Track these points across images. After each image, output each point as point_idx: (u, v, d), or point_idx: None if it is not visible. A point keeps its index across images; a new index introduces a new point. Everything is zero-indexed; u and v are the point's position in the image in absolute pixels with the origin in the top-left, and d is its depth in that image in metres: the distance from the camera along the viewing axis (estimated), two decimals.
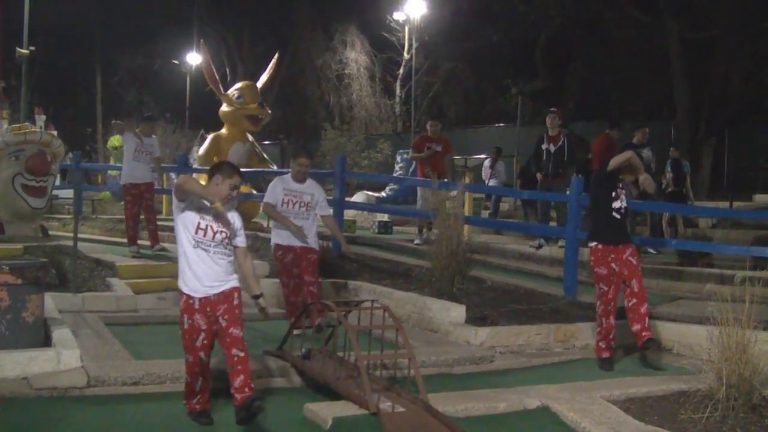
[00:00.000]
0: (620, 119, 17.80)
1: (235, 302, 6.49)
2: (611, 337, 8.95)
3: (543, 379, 8.16)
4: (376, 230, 19.38)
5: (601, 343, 9.00)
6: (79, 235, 11.78)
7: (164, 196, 18.77)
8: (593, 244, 8.98)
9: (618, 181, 8.98)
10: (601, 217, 9.02)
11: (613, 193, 8.92)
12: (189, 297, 6.48)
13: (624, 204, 8.98)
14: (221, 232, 6.49)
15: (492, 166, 21.10)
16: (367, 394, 6.41)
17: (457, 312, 9.79)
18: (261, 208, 9.80)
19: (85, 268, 11.88)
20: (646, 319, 8.89)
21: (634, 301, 8.84)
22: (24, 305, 7.48)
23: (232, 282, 6.56)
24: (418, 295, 10.57)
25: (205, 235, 6.45)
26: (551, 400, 7.17)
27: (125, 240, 15.32)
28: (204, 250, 6.45)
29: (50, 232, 14.70)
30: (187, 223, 6.47)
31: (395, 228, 19.93)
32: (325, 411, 6.56)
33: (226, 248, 6.54)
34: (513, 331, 9.61)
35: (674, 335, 9.88)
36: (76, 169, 18.37)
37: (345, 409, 6.61)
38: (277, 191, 9.64)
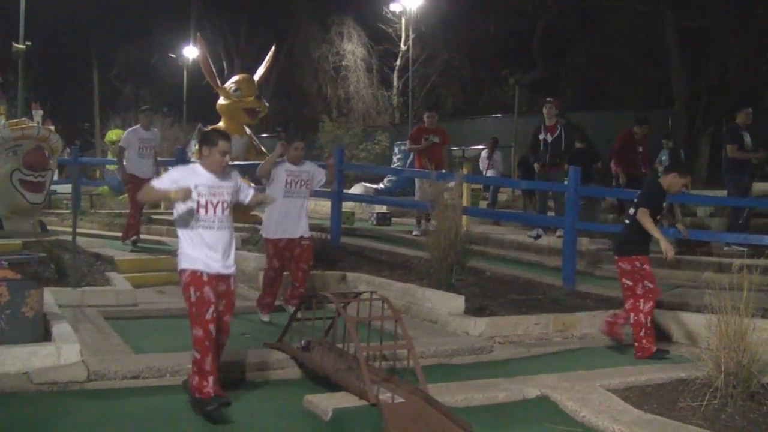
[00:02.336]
0: (619, 109, 17.86)
1: (232, 288, 6.65)
2: (648, 327, 8.94)
3: (542, 368, 8.17)
4: (375, 222, 19.39)
5: (643, 341, 8.94)
6: (78, 230, 11.77)
7: None
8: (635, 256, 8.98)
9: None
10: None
11: (659, 215, 9.05)
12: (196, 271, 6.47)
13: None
14: (221, 203, 6.55)
15: (489, 157, 21.13)
16: (366, 385, 6.42)
17: (456, 302, 9.80)
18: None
19: (84, 262, 11.89)
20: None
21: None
22: (23, 300, 7.48)
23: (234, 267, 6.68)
24: (417, 286, 10.58)
25: (206, 212, 6.48)
26: (551, 390, 7.18)
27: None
28: (208, 228, 6.50)
29: (49, 227, 14.71)
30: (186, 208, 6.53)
31: (393, 219, 19.93)
32: (325, 402, 6.57)
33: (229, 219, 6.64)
34: (512, 322, 9.62)
35: (673, 323, 9.91)
36: (74, 163, 18.38)
37: (345, 400, 6.62)
38: (279, 172, 9.85)
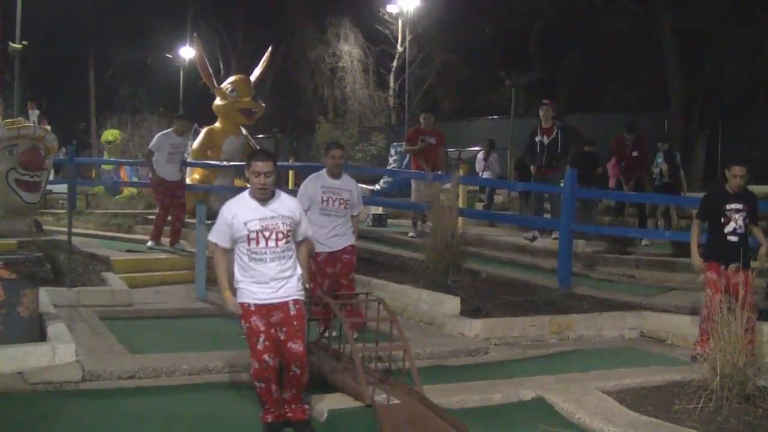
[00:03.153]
0: (616, 111, 18.05)
1: (292, 313, 6.24)
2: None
3: (538, 370, 8.17)
4: (371, 223, 19.35)
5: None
6: (74, 230, 11.76)
7: None
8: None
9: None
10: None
11: (722, 218, 8.68)
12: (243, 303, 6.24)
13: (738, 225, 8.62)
14: (275, 232, 6.18)
15: (485, 159, 21.13)
16: (362, 387, 6.41)
17: (452, 304, 9.81)
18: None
19: (79, 262, 11.90)
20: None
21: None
22: (19, 300, 7.48)
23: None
24: (413, 287, 10.59)
25: (258, 244, 6.15)
26: (546, 392, 7.18)
27: (120, 234, 15.38)
28: (258, 261, 6.18)
29: (44, 227, 14.70)
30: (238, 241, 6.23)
31: (389, 221, 19.90)
32: (321, 403, 6.57)
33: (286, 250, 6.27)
34: (508, 323, 9.63)
35: (668, 326, 9.92)
36: (70, 163, 18.35)
37: (340, 401, 6.62)
38: (310, 191, 9.03)
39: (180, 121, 14.27)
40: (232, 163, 16.89)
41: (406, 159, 19.36)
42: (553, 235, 14.27)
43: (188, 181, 14.78)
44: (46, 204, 18.70)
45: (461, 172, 15.49)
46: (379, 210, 19.90)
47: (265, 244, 6.12)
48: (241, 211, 6.18)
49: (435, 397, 6.64)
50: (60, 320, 8.31)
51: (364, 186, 23.74)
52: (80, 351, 7.56)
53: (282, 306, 6.18)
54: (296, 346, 6.15)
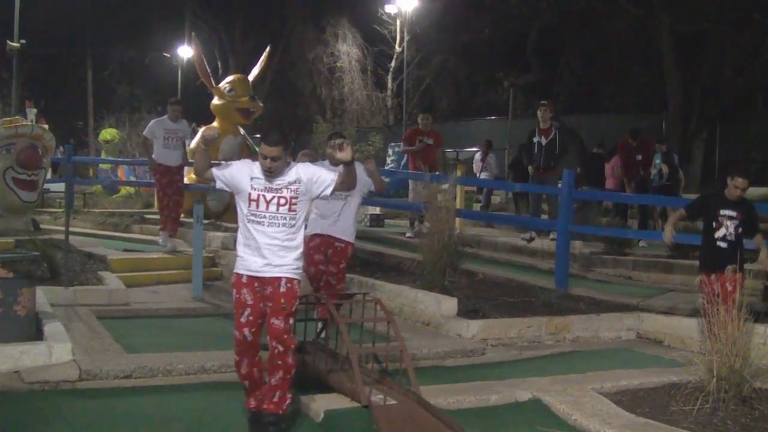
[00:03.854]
0: (614, 112, 18.21)
1: (281, 290, 6.13)
2: None
3: (534, 371, 8.17)
4: (368, 223, 19.37)
5: None
6: (71, 229, 11.77)
7: None
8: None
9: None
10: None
11: (714, 222, 8.59)
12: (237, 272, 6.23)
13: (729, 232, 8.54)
14: (277, 198, 6.14)
15: (483, 159, 21.15)
16: (358, 387, 6.41)
17: (449, 305, 9.80)
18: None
19: (76, 261, 11.88)
20: None
21: None
22: (15, 299, 7.46)
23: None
24: (410, 287, 10.57)
25: (258, 206, 6.14)
26: (543, 393, 7.18)
27: (117, 233, 15.35)
28: (258, 222, 6.15)
29: (41, 226, 14.70)
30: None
31: (387, 221, 19.93)
32: (317, 404, 6.56)
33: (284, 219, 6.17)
34: (504, 324, 9.62)
35: (665, 327, 9.92)
36: (67, 162, 18.35)
37: (337, 401, 6.62)
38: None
39: (170, 107, 14.06)
40: (229, 163, 16.87)
41: (404, 159, 19.33)
42: (551, 236, 14.28)
43: (185, 180, 14.72)
44: (43, 203, 18.70)
45: (459, 173, 15.50)
46: (377, 210, 19.91)
47: (265, 207, 6.10)
48: (252, 170, 6.19)
49: (431, 398, 6.64)
50: (57, 319, 8.30)
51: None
52: (77, 350, 7.55)
53: (274, 281, 6.11)
54: (277, 322, 6.06)
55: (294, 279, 6.18)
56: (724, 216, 8.46)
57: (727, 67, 27.15)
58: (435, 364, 8.55)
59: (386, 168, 26.13)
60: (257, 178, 6.14)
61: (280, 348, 6.09)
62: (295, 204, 6.16)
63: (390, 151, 28.19)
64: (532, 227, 15.10)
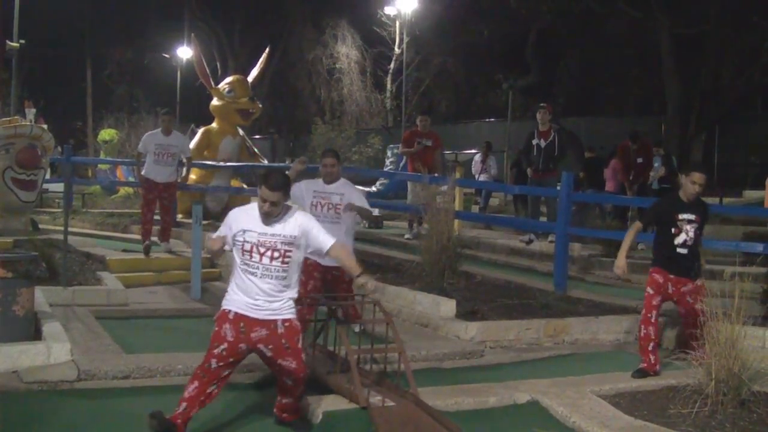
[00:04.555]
0: (613, 115, 18.26)
1: (280, 331, 5.98)
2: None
3: (533, 373, 8.17)
4: (367, 225, 19.36)
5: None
6: (70, 229, 11.76)
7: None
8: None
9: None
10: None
11: (673, 228, 8.17)
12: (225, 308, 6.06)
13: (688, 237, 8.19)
14: (271, 251, 5.97)
15: (483, 161, 21.17)
16: (357, 389, 6.41)
17: (448, 306, 9.80)
18: None
19: (75, 261, 11.87)
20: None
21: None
22: (14, 299, 7.47)
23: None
24: (409, 289, 10.56)
25: (251, 257, 5.96)
26: (541, 395, 7.18)
27: (116, 234, 15.33)
28: (251, 273, 5.97)
29: (40, 226, 14.69)
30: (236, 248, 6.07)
31: (385, 222, 19.93)
32: (316, 405, 6.56)
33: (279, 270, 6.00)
34: (503, 326, 9.61)
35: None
36: (66, 162, 18.34)
37: (335, 403, 6.62)
38: (300, 192, 8.78)
39: (162, 119, 13.79)
40: (228, 164, 16.90)
41: (403, 161, 19.34)
42: (549, 239, 14.28)
43: (189, 178, 14.66)
44: (42, 203, 18.70)
45: (458, 175, 15.50)
46: (376, 212, 19.91)
47: (258, 259, 5.94)
48: (244, 220, 6.04)
49: (430, 400, 6.64)
50: (55, 319, 8.30)
51: (360, 188, 23.77)
52: (75, 350, 7.55)
53: (268, 323, 5.95)
54: (288, 363, 5.98)
55: (290, 318, 6.05)
56: (683, 220, 8.09)
57: (726, 69, 27.18)
58: (433, 365, 8.55)
59: (385, 170, 26.14)
60: (250, 231, 5.97)
61: (290, 382, 6.11)
62: (289, 257, 6.00)
63: (389, 153, 28.12)
64: (530, 229, 15.11)
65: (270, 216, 5.96)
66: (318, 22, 43.34)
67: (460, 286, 11.05)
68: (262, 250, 5.93)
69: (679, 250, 8.12)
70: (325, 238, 6.18)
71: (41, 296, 9.02)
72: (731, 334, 6.91)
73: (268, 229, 5.98)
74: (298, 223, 6.08)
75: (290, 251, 6.00)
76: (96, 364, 7.33)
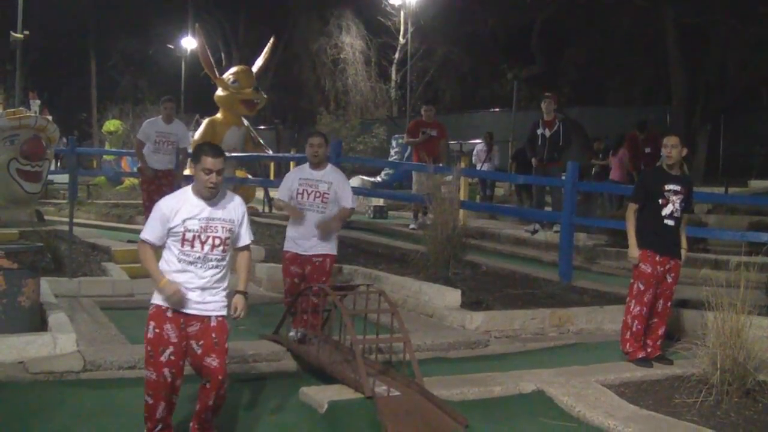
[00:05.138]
0: (618, 105, 18.33)
1: (213, 324, 5.64)
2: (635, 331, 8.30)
3: (538, 363, 8.18)
4: (372, 215, 19.39)
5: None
6: (75, 220, 11.78)
7: None
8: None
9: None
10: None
11: (660, 200, 8.21)
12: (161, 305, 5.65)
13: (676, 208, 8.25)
14: (212, 238, 5.62)
15: (489, 150, 21.16)
16: (362, 378, 6.42)
17: (453, 296, 9.80)
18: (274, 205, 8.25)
19: (80, 252, 11.91)
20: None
21: (656, 320, 8.39)
22: (20, 290, 7.48)
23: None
24: (414, 279, 10.57)
25: (192, 247, 5.59)
26: (546, 385, 7.19)
27: (121, 224, 15.34)
28: (191, 263, 5.62)
29: (45, 217, 14.71)
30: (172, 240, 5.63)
31: (390, 213, 19.94)
32: (321, 395, 6.58)
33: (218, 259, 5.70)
34: (508, 316, 9.62)
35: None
36: (71, 154, 18.36)
37: (340, 393, 6.63)
38: (290, 181, 8.50)
39: (163, 106, 13.66)
40: (234, 154, 16.90)
41: (408, 151, 19.36)
42: (555, 228, 14.28)
43: (189, 172, 14.66)
44: (47, 194, 18.73)
45: (462, 164, 15.49)
46: (380, 202, 19.93)
47: (200, 248, 5.57)
48: (181, 208, 5.58)
49: (435, 389, 6.65)
50: (61, 310, 8.32)
51: (365, 177, 23.84)
52: (81, 341, 7.57)
53: (202, 318, 5.60)
54: (211, 360, 5.54)
55: (223, 315, 5.71)
56: (670, 191, 8.13)
57: (731, 60, 27.11)
58: (438, 355, 8.56)
59: (390, 159, 26.16)
60: (191, 218, 5.57)
61: (209, 385, 5.60)
62: (228, 245, 5.71)
63: (394, 143, 28.16)
64: (535, 219, 15.10)
65: (216, 189, 5.59)
66: (322, 12, 43.26)
67: (465, 276, 11.06)
68: (203, 237, 5.59)
69: (666, 221, 8.17)
70: (246, 234, 5.90)
71: (47, 287, 9.04)
72: (736, 324, 6.92)
73: (209, 212, 5.63)
74: (236, 203, 5.84)
75: (230, 238, 5.71)
76: (101, 354, 7.35)
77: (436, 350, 8.63)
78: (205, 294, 5.62)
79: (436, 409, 6.29)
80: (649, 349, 8.26)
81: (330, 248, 8.51)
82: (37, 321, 7.78)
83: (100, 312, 9.37)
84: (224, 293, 5.74)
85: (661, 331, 8.37)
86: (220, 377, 5.54)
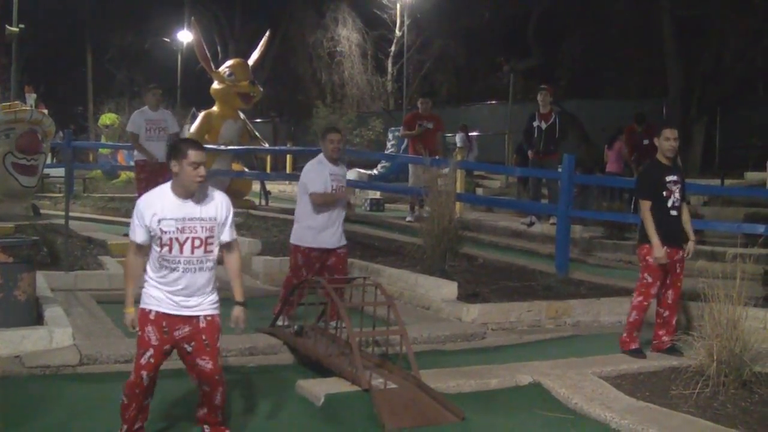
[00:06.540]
0: (614, 97, 18.37)
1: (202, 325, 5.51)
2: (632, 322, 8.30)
3: (535, 355, 8.18)
4: (368, 208, 19.39)
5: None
6: (71, 214, 11.76)
7: None
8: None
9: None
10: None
11: (664, 192, 8.22)
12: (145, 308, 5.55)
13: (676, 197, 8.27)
14: (192, 239, 5.42)
15: (469, 140, 21.36)
16: (359, 371, 6.42)
17: (449, 289, 9.81)
18: (312, 201, 8.33)
19: (76, 246, 11.89)
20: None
21: (668, 312, 8.33)
22: (16, 284, 7.48)
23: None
24: (410, 272, 10.58)
25: (171, 251, 5.39)
26: (543, 377, 7.20)
27: (117, 218, 15.32)
28: (172, 268, 5.44)
29: (41, 211, 14.69)
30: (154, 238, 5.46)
31: (387, 205, 19.94)
32: (318, 388, 6.58)
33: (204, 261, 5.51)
34: (505, 308, 9.62)
35: None
36: (67, 147, 18.34)
37: (337, 385, 6.63)
38: (324, 177, 8.53)
39: (149, 93, 13.51)
40: (230, 147, 16.88)
41: (404, 144, 19.34)
42: (551, 221, 14.28)
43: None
44: (43, 188, 18.68)
45: (459, 157, 15.49)
46: (377, 195, 19.93)
47: (179, 251, 5.38)
48: (158, 208, 5.40)
49: (431, 382, 6.66)
50: (57, 304, 8.32)
51: (361, 170, 23.83)
52: (77, 335, 7.57)
53: (190, 320, 5.46)
54: (204, 363, 5.47)
55: (213, 314, 5.56)
56: (670, 182, 8.16)
57: (727, 52, 27.06)
58: (435, 348, 8.57)
59: (386, 152, 26.14)
60: (166, 218, 5.37)
61: (207, 388, 5.59)
62: (211, 244, 5.50)
63: (390, 136, 28.14)
64: (532, 212, 15.10)
65: (201, 184, 5.42)
66: (318, 5, 43.16)
67: (462, 268, 11.07)
68: (182, 239, 5.37)
69: (672, 212, 8.18)
70: (231, 233, 5.68)
71: (43, 281, 9.04)
72: (733, 316, 6.93)
73: (188, 211, 5.42)
74: (219, 198, 5.60)
75: (212, 237, 5.49)
76: (98, 348, 7.35)
77: (433, 343, 8.64)
78: (191, 299, 5.48)
79: (432, 401, 6.30)
80: (665, 338, 8.22)
81: (345, 239, 8.83)
82: (33, 315, 7.78)
83: (96, 306, 9.38)
84: (214, 292, 5.60)
85: (674, 322, 8.34)
86: (216, 377, 5.53)
